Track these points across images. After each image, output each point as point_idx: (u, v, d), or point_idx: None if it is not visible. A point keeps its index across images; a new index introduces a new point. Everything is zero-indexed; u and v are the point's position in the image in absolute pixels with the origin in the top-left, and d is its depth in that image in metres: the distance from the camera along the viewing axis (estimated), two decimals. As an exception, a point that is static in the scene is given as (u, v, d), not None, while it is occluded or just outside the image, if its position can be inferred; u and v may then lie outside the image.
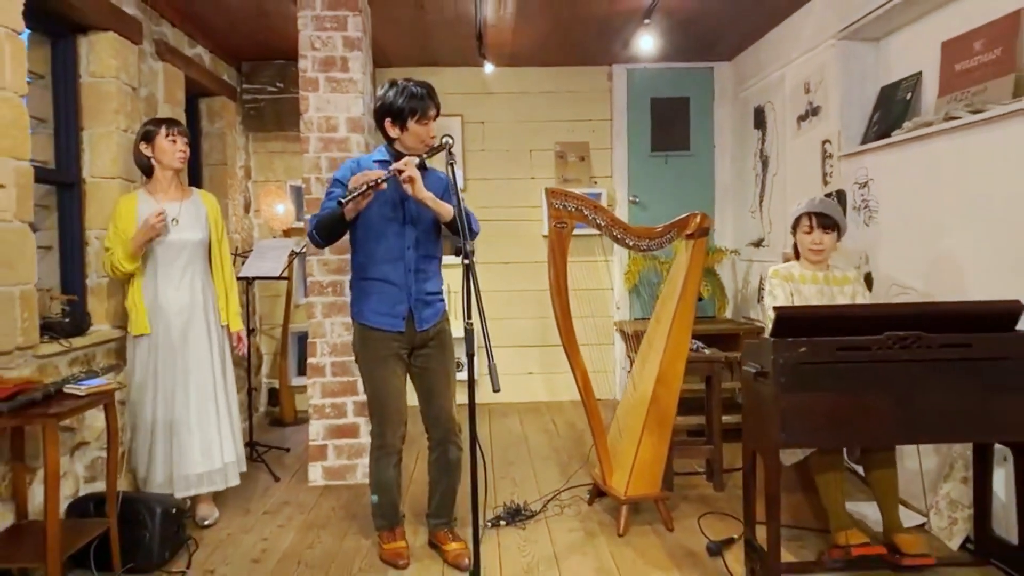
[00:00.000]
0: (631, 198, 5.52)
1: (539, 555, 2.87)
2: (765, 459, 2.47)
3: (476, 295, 2.24)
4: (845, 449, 3.00)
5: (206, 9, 4.02)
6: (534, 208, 5.48)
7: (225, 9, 4.03)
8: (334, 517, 3.30)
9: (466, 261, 2.28)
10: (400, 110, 2.63)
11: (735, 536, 2.89)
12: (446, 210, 2.62)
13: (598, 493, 3.38)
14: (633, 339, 3.61)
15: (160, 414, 3.05)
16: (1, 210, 2.48)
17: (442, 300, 2.86)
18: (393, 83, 2.67)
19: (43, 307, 2.88)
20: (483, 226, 5.27)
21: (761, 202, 4.96)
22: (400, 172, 2.52)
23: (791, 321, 2.43)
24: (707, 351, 3.61)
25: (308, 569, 2.79)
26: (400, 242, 2.70)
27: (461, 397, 2.72)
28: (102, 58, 3.29)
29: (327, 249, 3.58)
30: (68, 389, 2.46)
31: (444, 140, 2.52)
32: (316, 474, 3.73)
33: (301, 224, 5.12)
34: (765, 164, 4.88)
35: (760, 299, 4.80)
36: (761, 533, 2.50)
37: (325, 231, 2.65)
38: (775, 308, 2.46)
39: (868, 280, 3.52)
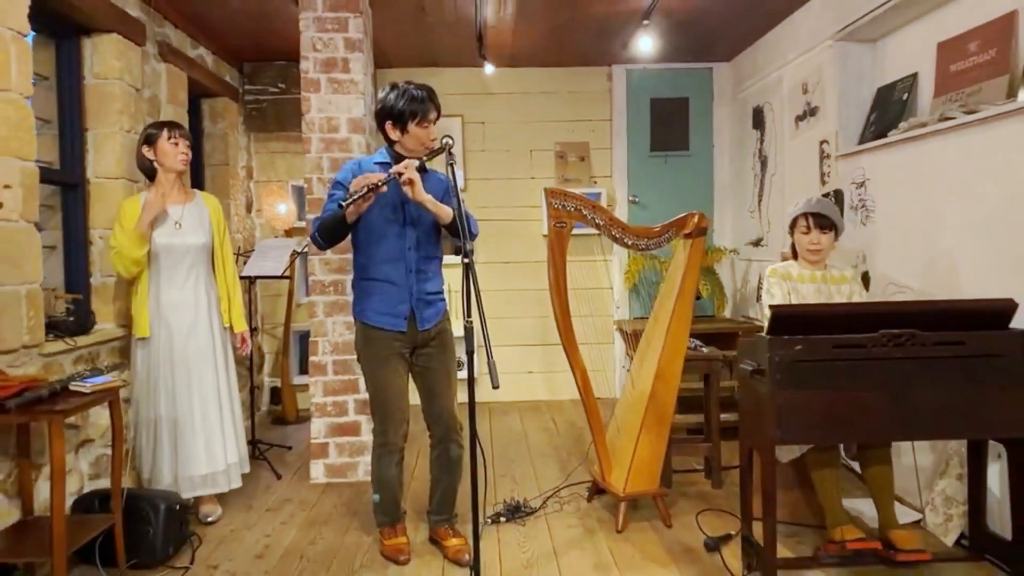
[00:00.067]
0: (631, 198, 5.55)
1: (538, 551, 2.90)
2: (761, 456, 2.50)
3: (476, 294, 2.27)
4: (842, 446, 3.03)
5: (208, 11, 4.06)
6: (534, 208, 5.51)
7: (227, 11, 4.06)
8: (336, 514, 3.33)
9: (466, 260, 2.31)
10: (401, 113, 2.66)
11: (732, 532, 2.92)
12: (445, 212, 2.66)
13: (597, 490, 3.41)
14: (632, 338, 3.64)
15: (164, 415, 3.08)
16: (7, 210, 2.51)
17: (443, 300, 2.90)
18: (394, 86, 2.70)
19: (48, 306, 2.91)
20: (483, 226, 5.37)
21: (760, 202, 4.99)
22: (400, 175, 2.55)
23: (787, 319, 2.46)
24: (705, 349, 3.64)
25: (310, 565, 2.82)
26: (401, 243, 2.74)
27: (462, 396, 2.75)
28: (106, 59, 3.33)
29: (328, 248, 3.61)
30: (73, 386, 2.49)
31: (444, 141, 2.55)
32: (318, 472, 3.76)
33: (303, 224, 5.15)
34: (764, 164, 4.91)
35: (759, 298, 4.82)
36: (758, 529, 2.52)
37: (327, 233, 2.69)
38: (771, 306, 2.49)
39: (865, 279, 3.55)
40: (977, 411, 2.41)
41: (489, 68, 5.12)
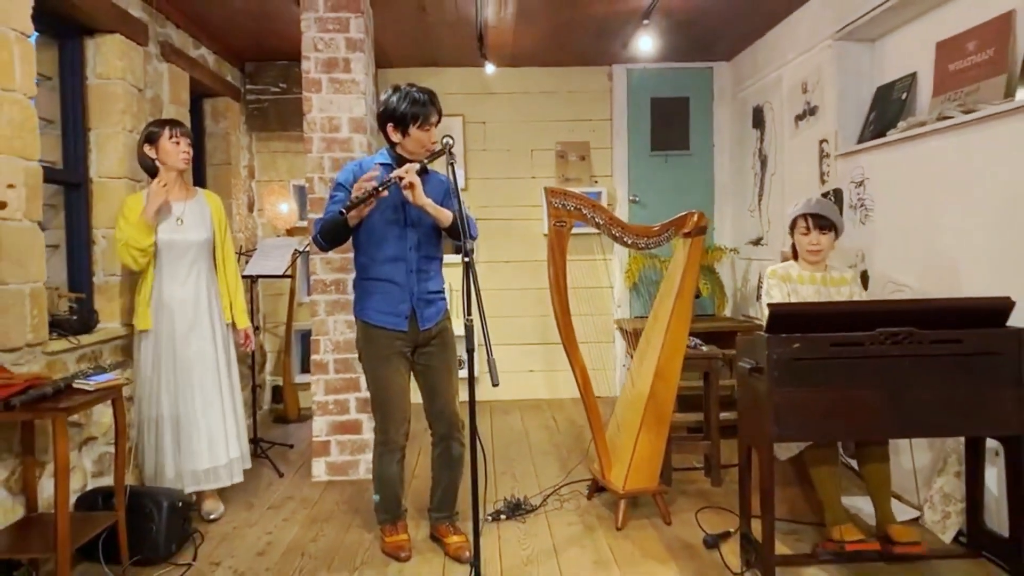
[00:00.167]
0: (631, 197, 5.56)
1: (538, 548, 2.92)
2: (760, 453, 2.52)
3: (476, 293, 2.29)
4: (840, 444, 3.05)
5: (210, 11, 4.08)
6: (535, 207, 5.53)
7: (229, 11, 4.08)
8: (337, 511, 3.35)
9: (466, 259, 2.33)
10: (402, 116, 2.68)
11: (731, 530, 2.94)
12: (445, 216, 2.68)
13: (597, 488, 3.43)
14: (633, 337, 3.66)
15: (166, 410, 3.11)
16: (11, 209, 2.53)
17: (443, 299, 2.91)
18: (396, 88, 2.72)
19: (51, 305, 2.93)
20: (484, 225, 5.40)
21: (760, 201, 5.00)
22: (400, 179, 2.57)
23: (785, 318, 2.48)
24: (705, 348, 3.65)
25: (312, 561, 2.84)
26: (402, 244, 2.75)
27: (463, 394, 2.77)
28: (108, 60, 3.35)
29: (329, 247, 3.63)
30: (77, 384, 2.51)
31: (444, 141, 2.57)
32: (319, 470, 3.78)
33: (304, 223, 5.17)
34: (764, 163, 4.92)
35: (759, 297, 4.84)
36: (757, 526, 2.54)
37: (329, 236, 2.71)
38: (769, 305, 2.51)
39: (864, 278, 3.56)
40: (974, 409, 2.43)
41: (490, 68, 5.14)
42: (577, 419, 4.89)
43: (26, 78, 2.63)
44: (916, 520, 3.04)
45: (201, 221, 3.23)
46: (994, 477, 2.73)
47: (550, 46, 5.01)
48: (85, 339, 3.00)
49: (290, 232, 5.24)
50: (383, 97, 2.74)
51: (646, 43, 4.43)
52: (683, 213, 3.26)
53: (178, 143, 3.15)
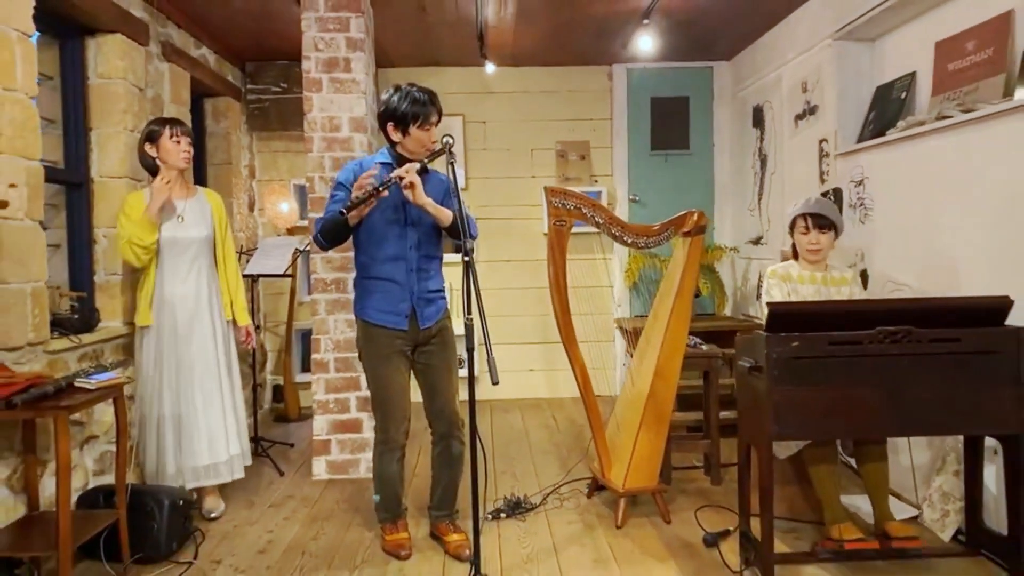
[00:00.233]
0: (631, 197, 5.57)
1: (538, 546, 2.93)
2: (759, 451, 2.53)
3: (476, 292, 2.30)
4: (839, 442, 3.06)
5: (211, 11, 4.09)
6: (535, 207, 5.53)
7: (229, 11, 4.09)
8: (338, 510, 3.36)
9: (466, 258, 2.34)
10: (403, 115, 2.69)
11: (731, 528, 2.95)
12: (445, 215, 2.69)
13: (597, 486, 3.44)
14: (633, 336, 3.66)
15: (168, 407, 3.12)
16: (13, 209, 2.54)
17: (443, 298, 2.92)
18: (397, 88, 2.72)
19: (53, 304, 2.94)
20: (484, 224, 5.41)
21: (760, 200, 5.01)
22: (401, 179, 2.58)
23: (785, 316, 2.49)
24: (705, 347, 3.66)
25: (312, 560, 2.85)
26: (402, 243, 2.76)
27: (463, 393, 2.78)
28: (110, 59, 3.36)
29: (330, 247, 3.64)
30: (79, 383, 2.52)
31: (444, 141, 2.58)
32: (320, 468, 3.79)
33: (305, 222, 5.18)
34: (763, 163, 4.93)
35: (759, 296, 4.84)
36: (756, 525, 2.55)
37: (329, 235, 2.72)
38: (768, 303, 2.52)
39: (864, 277, 3.57)
40: (973, 407, 2.44)
41: (490, 67, 5.15)
42: (577, 418, 4.90)
43: (28, 78, 2.64)
44: (915, 519, 3.05)
45: (202, 218, 3.24)
46: (993, 476, 2.74)
47: (550, 46, 5.02)
48: (86, 338, 3.01)
49: (291, 231, 5.25)
50: (384, 97, 2.75)
51: (646, 43, 4.44)
52: (683, 212, 3.26)
53: (179, 142, 3.15)
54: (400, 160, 2.74)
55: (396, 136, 2.74)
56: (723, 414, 3.68)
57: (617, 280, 5.57)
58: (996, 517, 2.69)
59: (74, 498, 2.83)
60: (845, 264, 3.48)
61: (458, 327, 2.62)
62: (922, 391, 2.44)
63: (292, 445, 4.42)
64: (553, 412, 5.17)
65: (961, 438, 2.76)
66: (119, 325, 3.31)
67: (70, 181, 3.27)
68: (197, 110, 4.72)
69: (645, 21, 4.27)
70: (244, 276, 3.92)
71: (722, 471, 3.61)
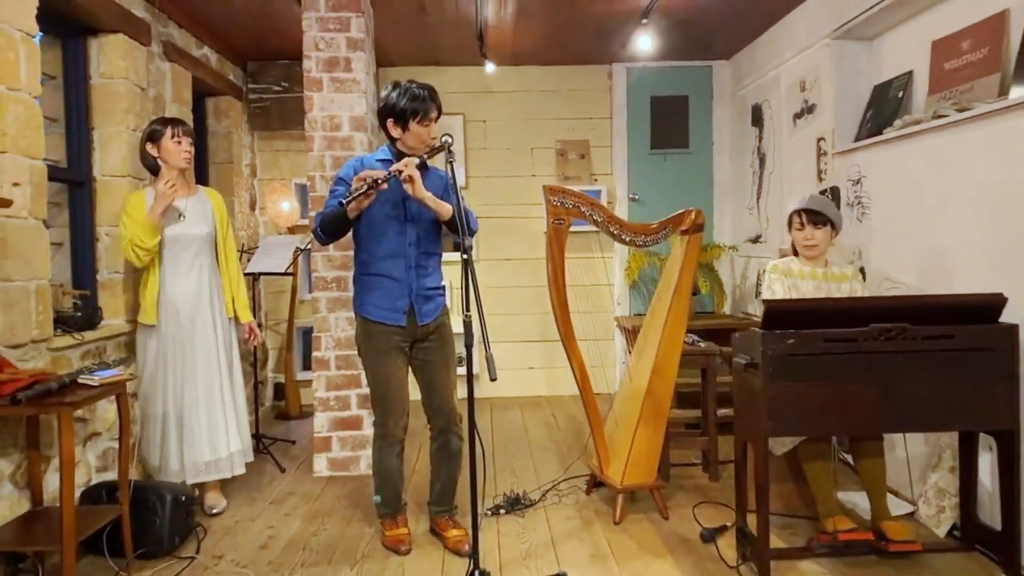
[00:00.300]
0: (631, 195, 5.59)
1: (537, 541, 2.95)
2: (755, 448, 2.55)
3: (474, 289, 2.33)
4: (836, 439, 3.08)
5: (212, 11, 4.11)
6: (535, 205, 5.55)
7: (231, 10, 4.11)
8: (339, 506, 3.39)
9: (465, 256, 2.36)
10: (402, 111, 2.71)
11: (728, 524, 2.97)
12: (445, 209, 2.71)
13: (595, 483, 3.47)
14: (632, 334, 3.69)
15: (171, 404, 3.15)
16: (16, 207, 2.56)
17: (442, 295, 2.94)
18: (396, 84, 2.75)
19: (56, 301, 2.96)
20: (485, 223, 5.43)
21: (759, 199, 5.03)
22: (400, 172, 2.60)
23: (780, 314, 2.51)
24: (703, 345, 3.68)
25: (313, 555, 2.88)
26: (401, 239, 2.79)
27: (462, 391, 2.80)
28: (112, 59, 3.39)
29: (331, 245, 3.67)
30: (82, 380, 2.55)
31: (444, 140, 2.61)
32: (321, 465, 3.82)
33: (306, 221, 5.21)
34: (762, 161, 4.95)
35: (758, 294, 4.87)
36: (753, 520, 2.58)
37: (329, 229, 2.74)
38: (764, 301, 2.54)
39: (861, 275, 3.59)
40: (966, 404, 2.47)
41: (490, 67, 5.17)
42: (577, 415, 4.92)
43: (31, 78, 2.67)
44: (911, 515, 3.07)
45: (203, 216, 3.27)
46: (988, 471, 2.76)
47: (550, 45, 5.04)
48: (89, 335, 3.04)
49: (292, 230, 5.28)
50: (383, 93, 2.77)
51: (645, 42, 4.46)
52: (681, 211, 3.28)
53: (180, 142, 3.18)
54: (400, 156, 2.76)
55: (396, 132, 2.76)
56: (721, 411, 3.70)
57: (617, 278, 5.60)
58: (991, 513, 2.71)
59: (77, 494, 2.85)
60: (843, 262, 3.49)
61: (457, 325, 2.64)
62: (917, 388, 2.46)
63: (293, 442, 4.44)
64: (553, 410, 5.20)
65: (956, 435, 2.78)
66: (121, 323, 3.34)
67: (73, 180, 3.30)
68: (199, 109, 4.74)
69: (644, 21, 4.29)
70: (245, 274, 3.94)
71: (720, 468, 3.63)
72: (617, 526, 3.08)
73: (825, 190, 3.95)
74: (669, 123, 5.59)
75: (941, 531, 2.91)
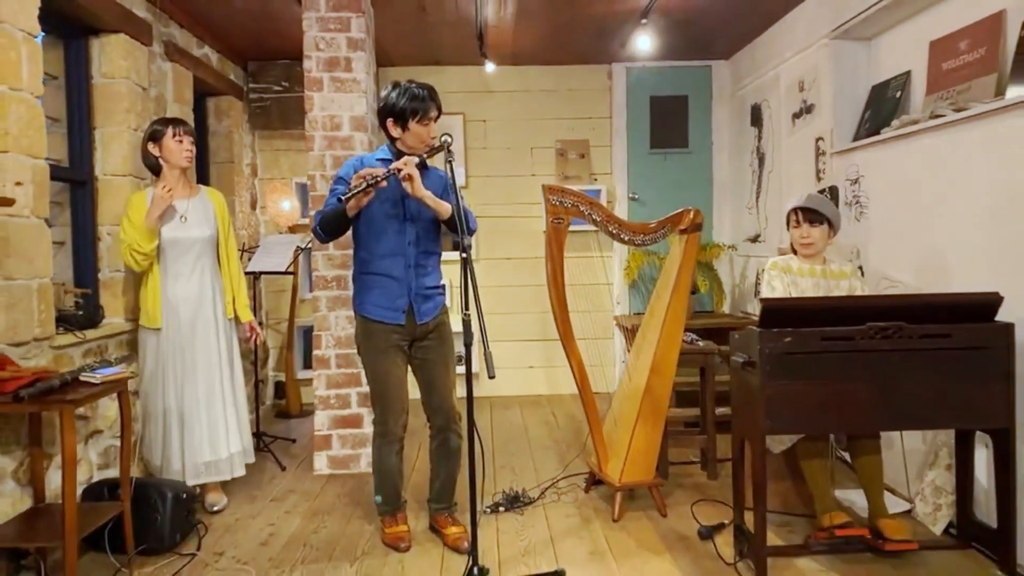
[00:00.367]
0: (630, 195, 5.61)
1: (536, 539, 2.97)
2: (752, 445, 2.57)
3: (473, 287, 2.34)
4: (834, 437, 3.09)
5: (213, 11, 4.13)
6: (535, 205, 5.56)
7: (232, 10, 4.13)
8: (339, 504, 3.41)
9: (464, 255, 2.38)
10: (402, 111, 2.73)
11: (726, 521, 2.99)
12: (444, 208, 2.72)
13: (594, 481, 3.48)
14: (632, 333, 3.70)
15: (172, 404, 3.16)
16: (19, 206, 2.58)
17: (441, 294, 2.96)
18: (396, 84, 2.77)
19: (58, 300, 2.98)
20: (485, 223, 5.45)
21: (757, 198, 5.04)
22: (399, 171, 2.62)
23: (778, 312, 2.53)
24: (701, 343, 3.70)
25: (313, 552, 2.89)
26: (401, 238, 2.80)
27: (462, 390, 2.82)
28: (113, 59, 3.40)
29: (331, 244, 3.69)
30: (84, 377, 2.57)
31: (443, 139, 2.62)
32: (321, 463, 3.83)
33: (306, 220, 5.22)
34: (761, 161, 4.96)
35: (757, 293, 4.88)
36: (750, 518, 2.59)
37: (328, 227, 2.76)
38: (761, 299, 2.56)
39: (860, 272, 3.60)
40: (963, 402, 2.48)
41: (490, 66, 5.18)
42: (576, 414, 4.94)
43: (33, 77, 2.68)
44: (908, 512, 3.09)
45: (205, 218, 3.28)
46: (984, 469, 2.77)
47: (550, 45, 5.06)
48: (91, 334, 3.05)
49: (292, 229, 5.30)
50: (383, 93, 2.79)
51: (644, 42, 4.48)
52: (679, 210, 3.30)
53: (181, 141, 3.20)
54: (400, 156, 2.78)
55: (396, 132, 2.78)
56: (720, 410, 3.71)
57: (616, 278, 5.61)
58: (987, 510, 2.73)
59: (79, 491, 2.87)
60: (842, 260, 3.50)
61: (457, 323, 2.66)
62: (913, 386, 2.48)
63: (294, 441, 4.46)
64: (553, 408, 5.22)
65: (953, 433, 2.80)
66: (122, 321, 3.35)
67: (74, 179, 3.32)
68: (200, 109, 4.76)
69: (644, 21, 4.30)
70: (246, 273, 3.96)
71: (718, 466, 3.65)
72: (616, 523, 3.10)
73: (823, 189, 3.96)
74: (669, 123, 5.61)
75: (938, 529, 2.92)
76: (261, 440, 4.19)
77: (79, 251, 3.35)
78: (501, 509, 3.27)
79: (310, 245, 4.46)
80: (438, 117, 2.82)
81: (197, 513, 3.12)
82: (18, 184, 2.58)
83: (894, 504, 3.09)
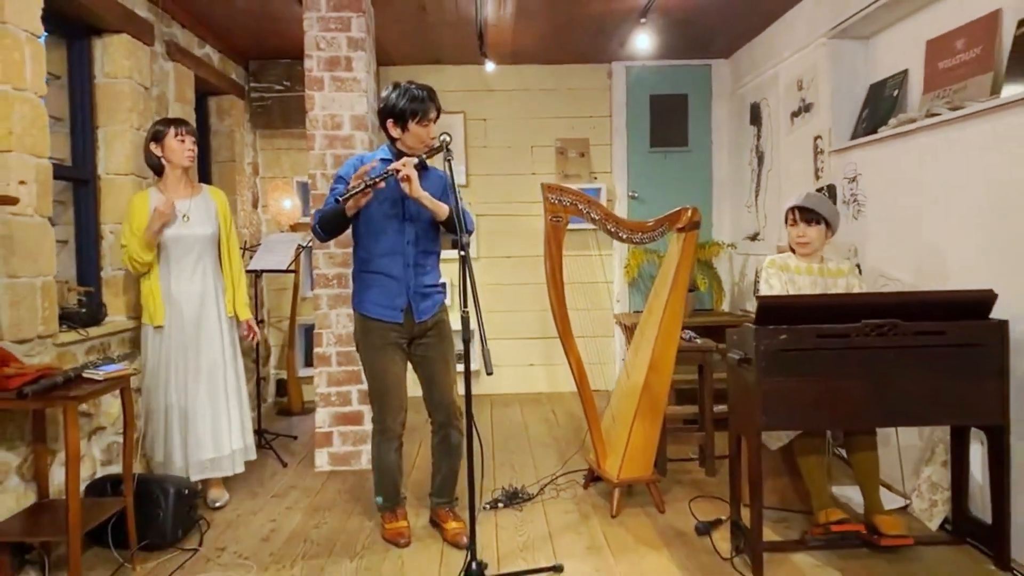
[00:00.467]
0: (630, 193, 5.63)
1: (534, 534, 2.99)
2: (748, 442, 2.59)
3: (472, 285, 2.37)
4: (831, 434, 3.11)
5: (215, 11, 4.16)
6: (535, 203, 5.54)
7: (233, 10, 4.16)
8: (339, 500, 3.43)
9: (462, 253, 2.41)
10: (402, 112, 2.75)
11: (723, 517, 3.01)
12: (442, 209, 2.75)
13: (593, 477, 3.51)
14: (631, 331, 3.72)
15: (174, 401, 3.19)
16: (22, 205, 2.61)
17: (440, 293, 2.98)
18: (396, 85, 2.79)
19: (61, 298, 3.01)
20: (485, 221, 5.48)
21: (757, 197, 5.06)
22: (397, 172, 2.64)
23: (774, 309, 2.55)
24: (699, 341, 3.72)
25: (314, 547, 2.92)
26: (400, 238, 2.83)
27: (463, 387, 2.84)
28: (116, 59, 3.43)
29: (332, 242, 3.72)
30: (87, 374, 2.59)
31: (442, 139, 2.65)
32: (322, 460, 3.86)
33: (307, 219, 5.24)
34: (760, 159, 4.98)
35: (756, 291, 4.89)
36: (747, 514, 2.61)
37: (327, 226, 2.78)
38: (758, 297, 2.58)
39: (858, 270, 3.62)
40: (957, 399, 2.50)
41: (490, 66, 5.20)
42: (576, 412, 4.96)
43: (36, 77, 2.71)
44: (904, 508, 3.11)
45: (207, 217, 3.31)
46: (979, 466, 2.79)
47: (549, 44, 5.08)
48: (94, 331, 3.08)
49: (294, 228, 5.32)
50: (383, 94, 2.81)
51: (643, 41, 4.49)
52: (677, 208, 3.32)
53: (183, 141, 3.22)
54: (400, 156, 2.80)
55: (395, 132, 2.80)
56: (718, 407, 3.73)
57: (617, 276, 5.63)
58: (982, 506, 2.74)
59: (82, 487, 2.89)
60: (840, 258, 3.52)
61: (456, 321, 2.68)
62: (908, 383, 2.50)
63: (295, 438, 4.49)
64: (553, 406, 5.24)
65: (949, 429, 2.81)
66: (124, 319, 3.38)
67: (77, 178, 3.35)
68: (201, 108, 4.79)
69: (643, 20, 4.32)
70: (248, 272, 3.99)
71: (716, 462, 3.67)
72: (614, 519, 3.12)
73: (822, 188, 3.98)
74: (668, 121, 5.63)
75: (933, 524, 2.94)
76: (263, 437, 4.22)
77: (82, 249, 3.38)
78: (500, 505, 3.29)
79: (311, 243, 4.48)
80: (437, 118, 2.84)
81: (199, 509, 3.15)
82: (22, 183, 2.61)
83: (890, 500, 3.11)
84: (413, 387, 2.95)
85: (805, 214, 3.03)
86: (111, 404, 3.19)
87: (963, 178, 2.91)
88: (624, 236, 3.27)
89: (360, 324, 2.88)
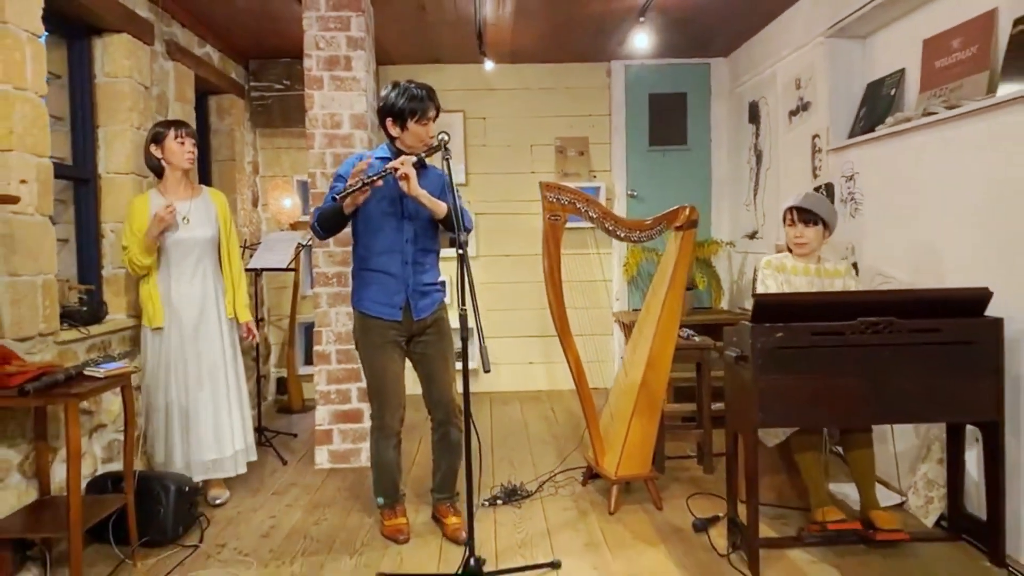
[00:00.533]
0: (629, 192, 5.64)
1: (533, 531, 3.01)
2: (744, 439, 2.61)
3: (470, 283, 2.39)
4: (827, 431, 3.13)
5: (215, 10, 4.17)
6: (534, 202, 5.53)
7: (233, 10, 4.17)
8: (339, 497, 3.45)
9: (460, 251, 2.42)
10: (401, 111, 2.77)
11: (720, 514, 3.03)
12: (440, 208, 2.77)
13: (591, 474, 3.52)
14: (630, 329, 3.74)
15: (174, 401, 3.20)
16: (23, 204, 2.62)
17: (439, 291, 2.99)
18: (395, 84, 2.80)
19: (62, 296, 3.03)
20: (485, 219, 5.50)
21: (755, 195, 5.07)
22: (395, 170, 2.66)
23: (771, 307, 2.57)
24: (697, 339, 3.73)
25: (314, 544, 2.94)
26: (398, 236, 2.84)
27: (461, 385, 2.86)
28: (116, 59, 3.45)
29: (331, 241, 3.73)
30: (88, 372, 2.61)
31: (440, 138, 2.66)
32: (322, 457, 3.88)
33: (307, 218, 5.26)
34: (759, 158, 4.99)
35: (755, 290, 4.90)
36: (744, 510, 2.63)
37: (326, 223, 2.80)
38: (754, 295, 2.60)
39: (854, 270, 3.63)
40: (953, 396, 2.52)
41: (489, 64, 5.22)
42: (575, 410, 4.98)
43: (37, 77, 2.72)
44: (900, 505, 3.12)
45: (207, 219, 3.32)
46: (975, 463, 2.81)
47: (548, 43, 5.09)
48: (94, 329, 3.10)
49: (293, 226, 5.34)
50: (383, 93, 2.83)
51: (642, 40, 4.50)
52: (675, 207, 3.34)
53: (183, 143, 3.24)
54: (399, 155, 2.82)
55: (395, 131, 2.82)
56: (715, 405, 3.75)
57: (616, 274, 5.65)
58: (978, 503, 2.76)
59: (83, 484, 2.91)
60: (836, 258, 3.54)
61: (455, 321, 2.70)
62: (903, 380, 2.51)
63: (295, 435, 4.51)
64: (552, 404, 5.26)
65: (945, 426, 2.83)
66: (125, 317, 3.40)
67: (78, 177, 3.36)
68: (201, 107, 4.81)
69: (641, 19, 4.33)
70: (248, 270, 4.01)
71: (714, 460, 3.69)
72: (612, 516, 3.14)
73: (819, 187, 3.99)
74: (667, 120, 5.64)
75: (929, 521, 2.96)
76: (263, 435, 4.24)
77: (83, 248, 3.39)
78: (499, 502, 3.31)
79: (311, 242, 4.50)
80: (437, 117, 2.85)
81: (199, 506, 3.17)
82: (23, 182, 2.63)
83: (886, 497, 3.13)
84: (412, 385, 2.98)
85: (803, 214, 3.04)
86: (112, 402, 3.21)
87: (959, 176, 2.93)
88: (622, 234, 3.29)
89: (359, 322, 2.90)
